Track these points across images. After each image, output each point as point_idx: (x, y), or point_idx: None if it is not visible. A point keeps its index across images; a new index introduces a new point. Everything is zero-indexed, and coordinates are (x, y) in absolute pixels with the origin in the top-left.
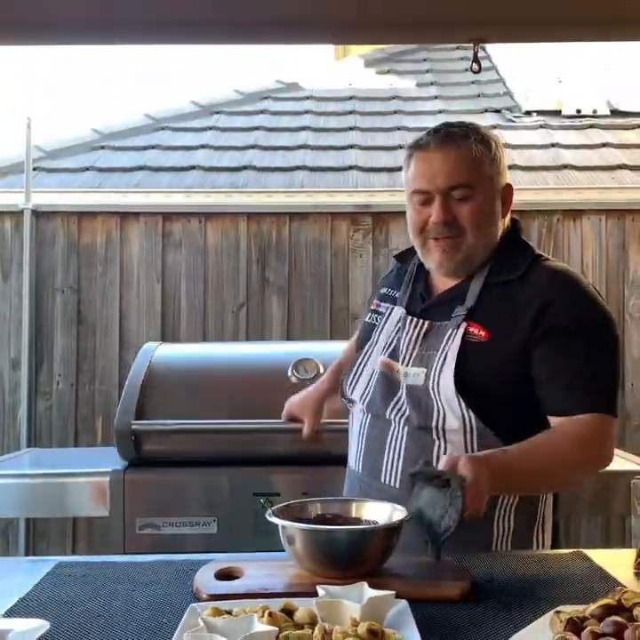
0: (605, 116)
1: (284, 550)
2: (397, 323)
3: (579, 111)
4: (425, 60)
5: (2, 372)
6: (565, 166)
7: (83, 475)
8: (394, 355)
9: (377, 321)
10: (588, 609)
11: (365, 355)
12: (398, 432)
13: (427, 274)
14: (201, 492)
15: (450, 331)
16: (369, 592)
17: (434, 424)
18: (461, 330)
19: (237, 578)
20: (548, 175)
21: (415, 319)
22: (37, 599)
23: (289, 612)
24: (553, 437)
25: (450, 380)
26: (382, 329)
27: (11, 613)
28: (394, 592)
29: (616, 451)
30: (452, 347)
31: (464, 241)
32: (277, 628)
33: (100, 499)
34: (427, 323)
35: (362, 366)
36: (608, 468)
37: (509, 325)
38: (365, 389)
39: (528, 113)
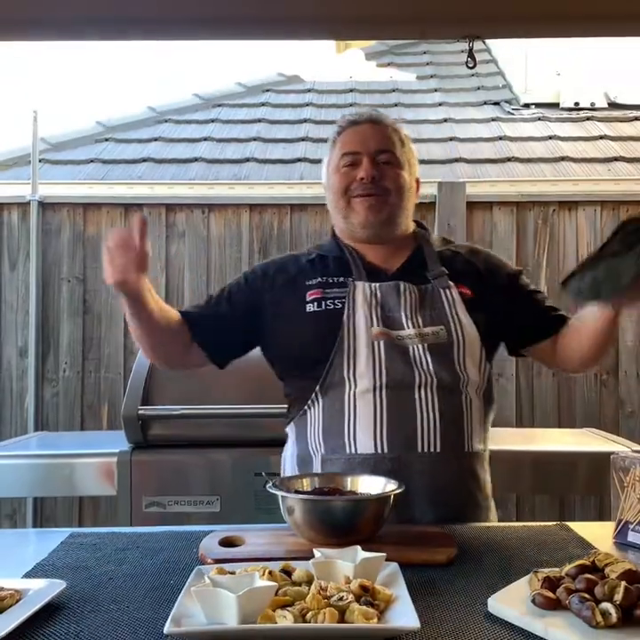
0: (603, 109)
1: (283, 524)
2: (373, 295)
3: (577, 104)
4: (425, 52)
5: (9, 359)
6: (563, 158)
7: (91, 456)
8: (391, 324)
9: (336, 305)
10: (564, 569)
11: (347, 337)
12: (427, 396)
13: (362, 259)
14: (204, 472)
15: (443, 291)
16: (362, 554)
17: (460, 379)
18: (454, 289)
19: (240, 546)
20: (545, 167)
21: (408, 285)
22: (53, 564)
23: (288, 572)
24: None
25: (473, 329)
26: (353, 307)
27: (29, 576)
28: (385, 554)
29: (610, 436)
30: (457, 303)
31: (388, 200)
32: (277, 584)
33: (107, 478)
34: (417, 288)
35: (351, 348)
36: (602, 450)
37: (483, 284)
38: (374, 365)
39: (526, 105)
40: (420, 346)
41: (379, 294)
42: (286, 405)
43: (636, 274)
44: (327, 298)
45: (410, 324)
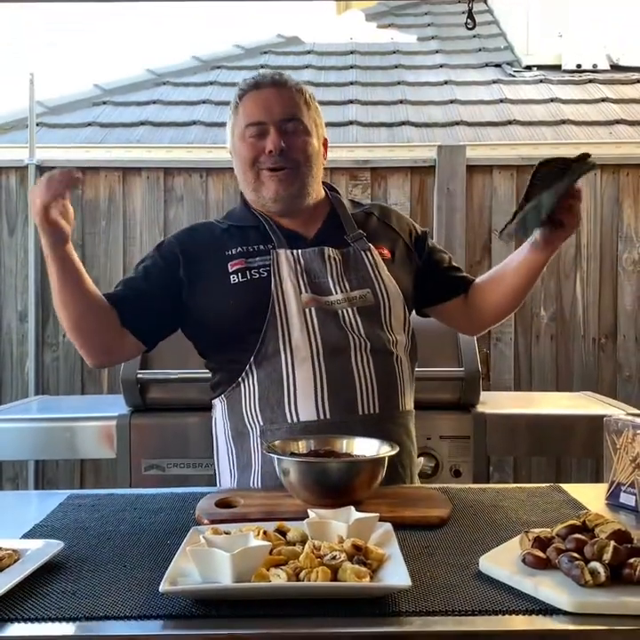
0: (605, 71)
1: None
2: (296, 262)
3: (579, 66)
4: (426, 13)
5: (9, 324)
6: (564, 121)
7: (90, 419)
8: (318, 290)
9: (261, 274)
10: (555, 529)
11: (277, 307)
12: (363, 359)
13: (279, 226)
14: (203, 435)
15: (365, 254)
16: (355, 514)
17: (390, 340)
18: (375, 251)
19: (236, 507)
20: (546, 130)
21: (331, 250)
22: (51, 525)
23: (282, 533)
24: None
25: (396, 289)
26: (279, 276)
27: (27, 537)
28: (378, 514)
29: (607, 399)
30: (379, 264)
31: (298, 173)
32: (271, 544)
33: (107, 442)
34: (340, 252)
35: (284, 317)
36: (599, 413)
37: (398, 243)
38: (309, 333)
39: (528, 67)
40: (349, 310)
41: (302, 261)
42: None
43: (554, 204)
44: (251, 268)
45: (337, 289)
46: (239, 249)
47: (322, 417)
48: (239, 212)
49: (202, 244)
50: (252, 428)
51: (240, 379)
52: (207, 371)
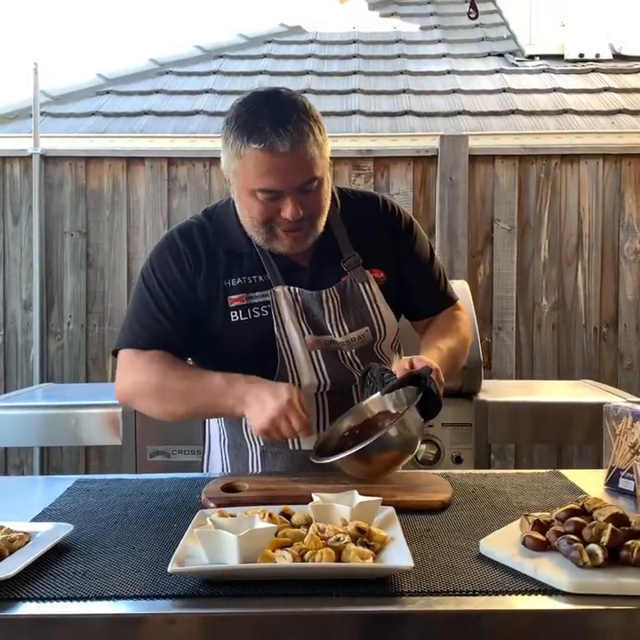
0: (608, 60)
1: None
2: (295, 302)
3: (581, 55)
4: (429, 2)
5: (14, 313)
6: (566, 111)
7: (96, 406)
8: (319, 330)
9: (262, 313)
10: (554, 513)
11: (284, 350)
12: (359, 391)
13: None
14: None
15: (362, 286)
16: (359, 498)
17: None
18: (371, 280)
19: (241, 491)
20: (548, 120)
21: (329, 293)
22: (60, 509)
23: (287, 516)
24: (459, 331)
25: (391, 317)
26: (281, 317)
27: (36, 521)
28: (381, 498)
29: (608, 387)
30: (377, 296)
31: (313, 225)
32: (276, 526)
33: (112, 428)
34: (336, 288)
35: (291, 360)
36: (600, 401)
37: (385, 258)
38: (317, 374)
39: (531, 57)
40: (348, 352)
41: (299, 299)
42: None
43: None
44: (252, 305)
45: (336, 333)
46: (238, 280)
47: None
48: (232, 234)
49: (203, 268)
50: (251, 445)
51: None
52: None
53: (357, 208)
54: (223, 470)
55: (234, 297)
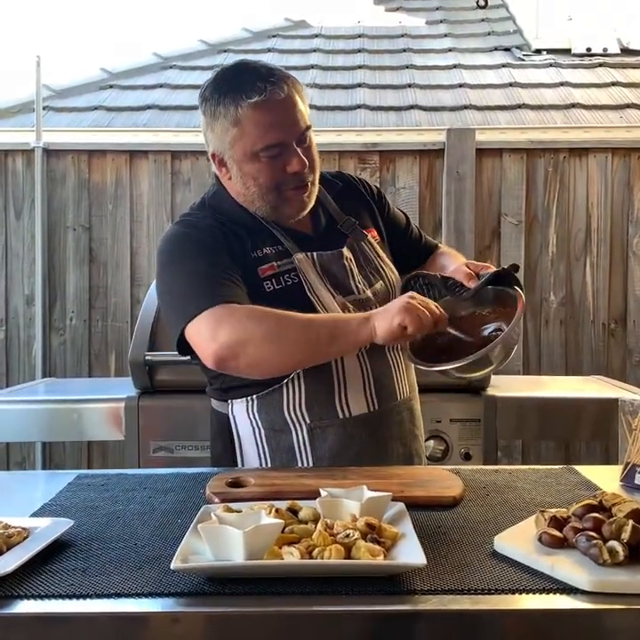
0: (616, 55)
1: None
2: (317, 265)
3: (589, 49)
4: None
5: (16, 307)
6: (574, 105)
7: (99, 401)
8: (344, 290)
9: (294, 279)
10: (571, 509)
11: (322, 310)
12: (390, 348)
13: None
14: None
15: (365, 245)
16: (368, 493)
17: None
18: (371, 238)
19: (246, 486)
20: (556, 114)
21: (342, 250)
22: (60, 504)
23: (294, 511)
24: (459, 254)
25: (395, 271)
26: (309, 281)
27: (36, 516)
28: (391, 494)
29: (617, 382)
30: (380, 253)
31: (314, 181)
32: (283, 521)
33: (115, 423)
34: (348, 247)
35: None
36: (609, 396)
37: (373, 220)
38: None
39: (538, 51)
40: (376, 305)
41: (319, 264)
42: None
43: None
44: (282, 273)
45: (361, 289)
46: (265, 251)
47: (371, 409)
48: (234, 213)
49: (232, 240)
50: (295, 426)
51: (285, 382)
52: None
53: (334, 182)
54: (261, 463)
55: (264, 267)
